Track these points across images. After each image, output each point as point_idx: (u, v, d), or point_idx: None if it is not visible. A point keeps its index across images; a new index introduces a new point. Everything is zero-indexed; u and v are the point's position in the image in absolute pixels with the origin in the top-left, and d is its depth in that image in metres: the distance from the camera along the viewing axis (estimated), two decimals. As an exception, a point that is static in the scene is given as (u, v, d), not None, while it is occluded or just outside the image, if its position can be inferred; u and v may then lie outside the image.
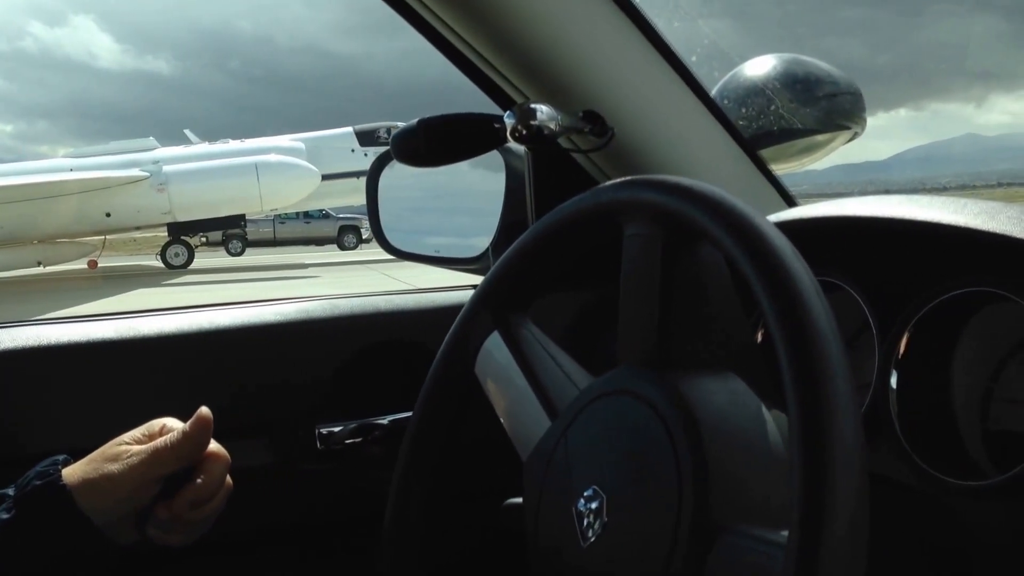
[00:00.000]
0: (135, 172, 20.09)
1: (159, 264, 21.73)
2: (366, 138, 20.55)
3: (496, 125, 0.84)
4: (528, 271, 0.80)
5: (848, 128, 1.24)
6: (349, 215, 25.93)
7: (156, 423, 0.82)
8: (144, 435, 0.81)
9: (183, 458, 0.79)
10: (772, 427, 0.63)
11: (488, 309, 0.81)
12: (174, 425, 0.81)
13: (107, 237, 21.65)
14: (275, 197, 20.42)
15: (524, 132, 0.83)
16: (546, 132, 0.85)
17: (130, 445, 0.79)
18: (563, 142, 1.00)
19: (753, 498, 0.59)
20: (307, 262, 20.35)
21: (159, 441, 0.79)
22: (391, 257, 1.37)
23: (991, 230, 0.80)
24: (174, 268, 21.20)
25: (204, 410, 0.80)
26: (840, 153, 1.31)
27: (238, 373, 1.12)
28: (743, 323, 0.69)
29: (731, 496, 0.59)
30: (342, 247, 25.92)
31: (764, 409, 0.64)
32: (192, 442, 0.79)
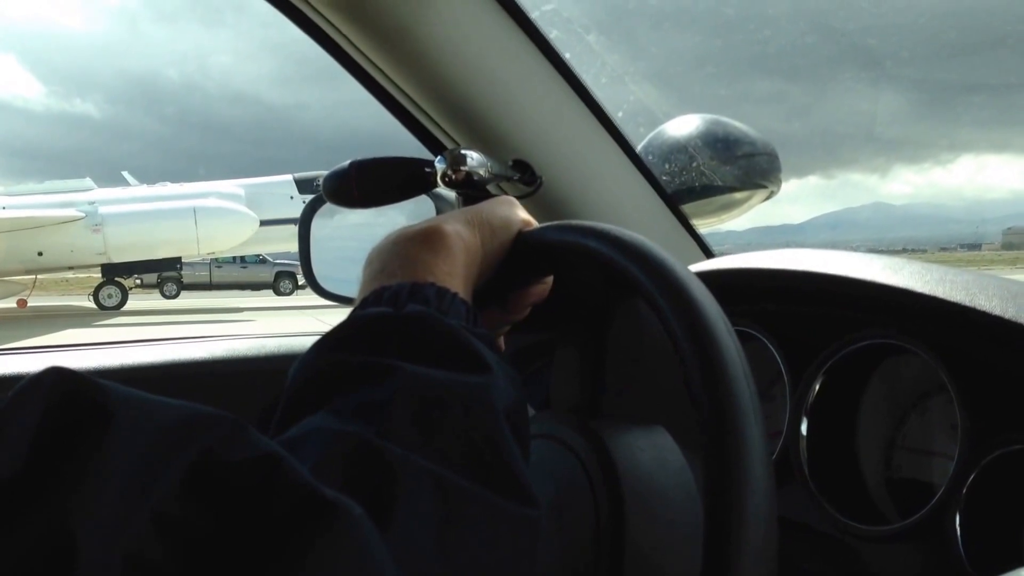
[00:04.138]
0: (70, 212, 19.68)
1: (91, 305, 21.20)
2: (306, 186, 20.46)
3: (427, 169, 0.85)
4: None
5: (765, 187, 1.29)
6: (286, 261, 25.67)
7: None
8: None
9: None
10: (694, 487, 0.63)
11: None
12: None
13: (38, 276, 21.09)
14: (212, 241, 20.17)
15: (454, 177, 0.84)
16: (476, 178, 0.86)
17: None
18: (492, 188, 1.02)
19: (668, 560, 0.60)
20: (242, 306, 20.04)
21: None
22: (326, 303, 1.37)
23: (894, 284, 0.84)
24: (107, 309, 20.70)
25: None
26: (759, 216, 1.36)
27: None
28: (675, 374, 0.70)
29: (646, 558, 0.60)
30: (278, 292, 25.59)
31: (688, 467, 0.64)
32: None
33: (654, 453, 0.65)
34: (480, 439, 0.48)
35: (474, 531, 0.44)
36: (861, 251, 0.96)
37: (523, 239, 0.69)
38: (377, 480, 0.42)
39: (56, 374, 0.38)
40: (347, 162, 0.91)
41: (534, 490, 0.49)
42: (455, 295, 0.57)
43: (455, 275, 0.61)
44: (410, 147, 1.14)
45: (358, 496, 0.40)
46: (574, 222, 0.67)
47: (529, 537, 0.48)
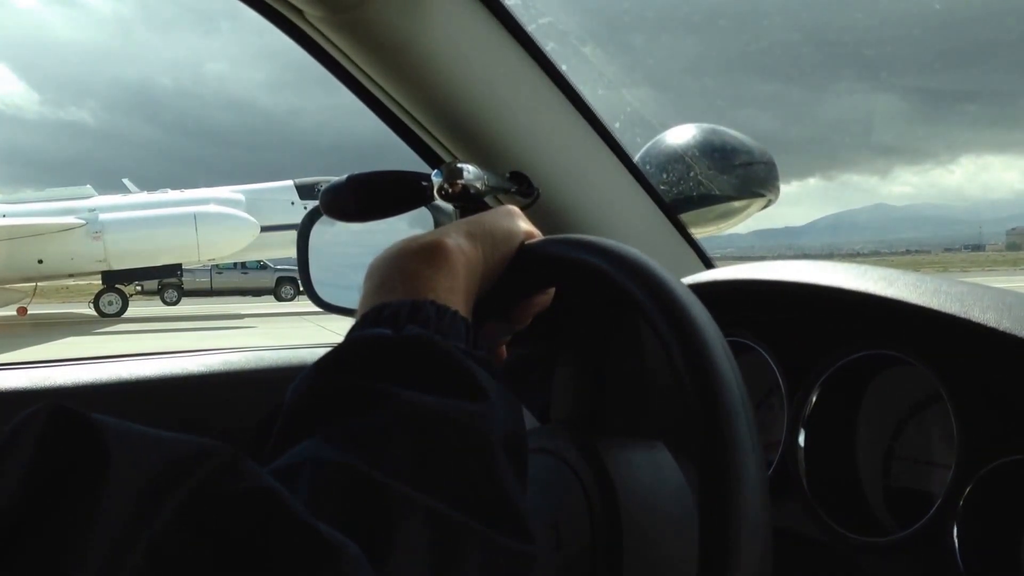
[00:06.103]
0: (70, 219, 19.72)
1: (92, 312, 21.24)
2: (306, 191, 20.52)
3: (424, 183, 0.85)
4: None
5: (762, 195, 1.29)
6: (287, 267, 25.70)
7: None
8: None
9: None
10: (692, 504, 0.64)
11: None
12: None
13: (38, 284, 21.12)
14: (213, 247, 20.23)
15: (451, 191, 0.84)
16: (472, 191, 0.86)
17: None
18: (490, 201, 1.03)
19: None
20: (243, 312, 20.07)
21: None
22: (327, 309, 1.37)
23: (890, 296, 0.84)
24: (107, 316, 20.76)
25: None
26: (761, 218, 1.36)
27: (158, 425, 1.11)
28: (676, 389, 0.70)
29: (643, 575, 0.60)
30: (279, 298, 25.60)
31: (686, 484, 0.65)
32: None
33: (652, 471, 0.65)
34: (476, 471, 0.48)
35: (468, 568, 0.44)
36: (864, 254, 0.96)
37: (526, 251, 0.69)
38: (371, 515, 0.42)
39: (50, 410, 0.38)
40: (344, 177, 0.92)
41: (531, 523, 0.49)
42: (455, 313, 0.57)
43: (456, 290, 0.60)
44: (408, 153, 1.14)
45: (353, 532, 0.40)
46: (577, 237, 0.67)
47: (524, 573, 0.48)
